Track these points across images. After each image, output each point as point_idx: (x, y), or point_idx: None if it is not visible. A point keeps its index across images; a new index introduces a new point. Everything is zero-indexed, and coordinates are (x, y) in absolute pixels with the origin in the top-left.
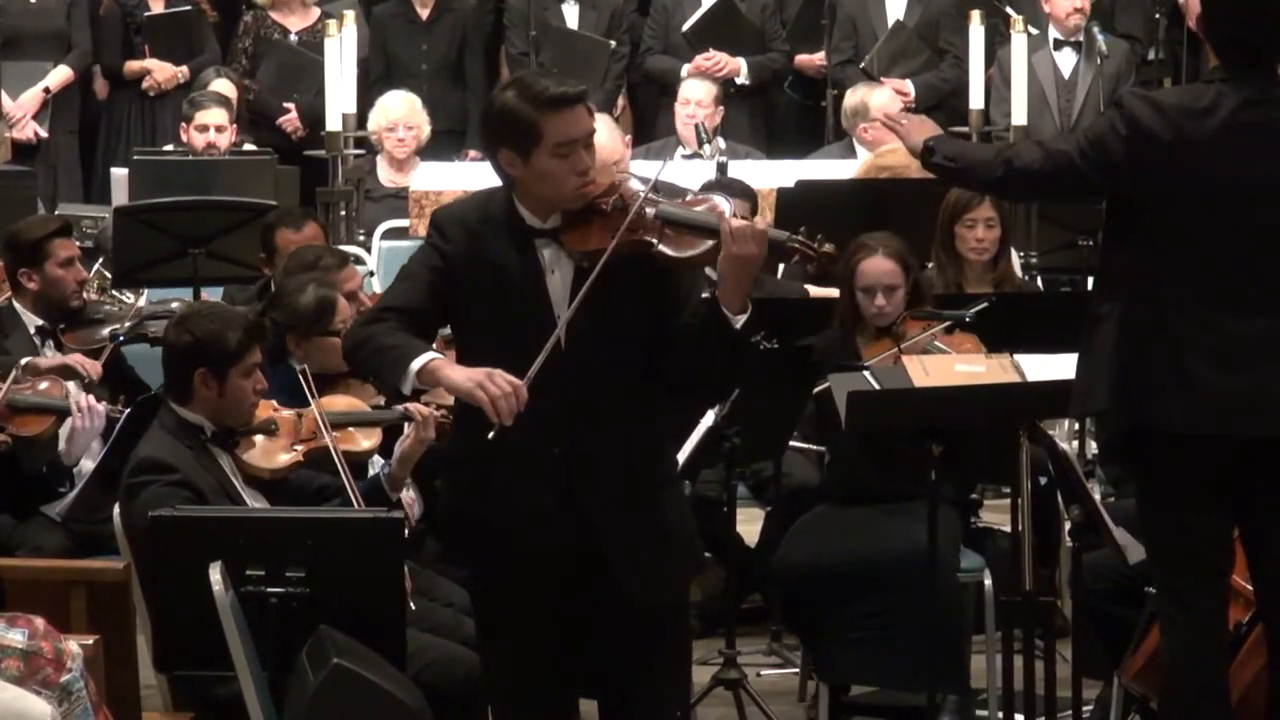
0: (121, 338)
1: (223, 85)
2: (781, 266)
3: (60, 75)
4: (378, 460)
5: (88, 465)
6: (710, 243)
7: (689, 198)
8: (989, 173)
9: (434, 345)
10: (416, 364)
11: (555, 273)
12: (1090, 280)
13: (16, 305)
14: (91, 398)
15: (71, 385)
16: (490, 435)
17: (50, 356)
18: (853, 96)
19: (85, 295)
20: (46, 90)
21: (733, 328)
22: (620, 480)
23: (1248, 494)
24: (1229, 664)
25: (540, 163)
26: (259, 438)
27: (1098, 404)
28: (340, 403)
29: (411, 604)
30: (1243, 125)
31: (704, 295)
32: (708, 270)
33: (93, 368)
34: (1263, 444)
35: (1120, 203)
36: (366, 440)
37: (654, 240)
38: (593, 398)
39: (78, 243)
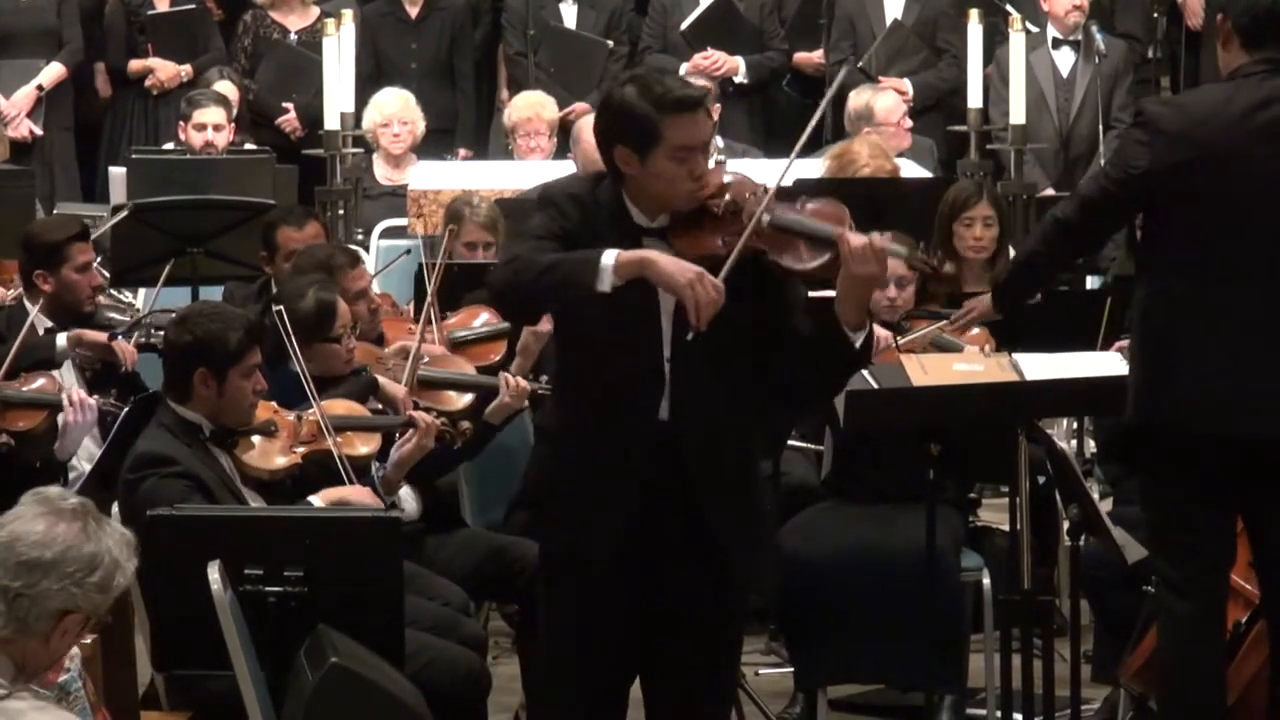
0: (123, 339)
1: (225, 86)
2: None
3: (53, 72)
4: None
5: (85, 466)
6: (827, 255)
7: (806, 205)
8: (1043, 246)
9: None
10: (609, 257)
11: None
12: (1089, 279)
13: (27, 305)
14: (83, 392)
15: (70, 380)
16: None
17: (92, 333)
18: (857, 99)
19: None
20: (40, 88)
21: (852, 346)
22: (732, 472)
23: (1255, 489)
24: (1225, 655)
25: (657, 165)
26: (257, 438)
27: (1128, 412)
28: (339, 407)
29: None
30: (1264, 123)
31: (808, 297)
32: None
33: (131, 356)
34: (1275, 443)
35: (1148, 212)
36: (365, 445)
37: (767, 249)
38: (704, 397)
39: None
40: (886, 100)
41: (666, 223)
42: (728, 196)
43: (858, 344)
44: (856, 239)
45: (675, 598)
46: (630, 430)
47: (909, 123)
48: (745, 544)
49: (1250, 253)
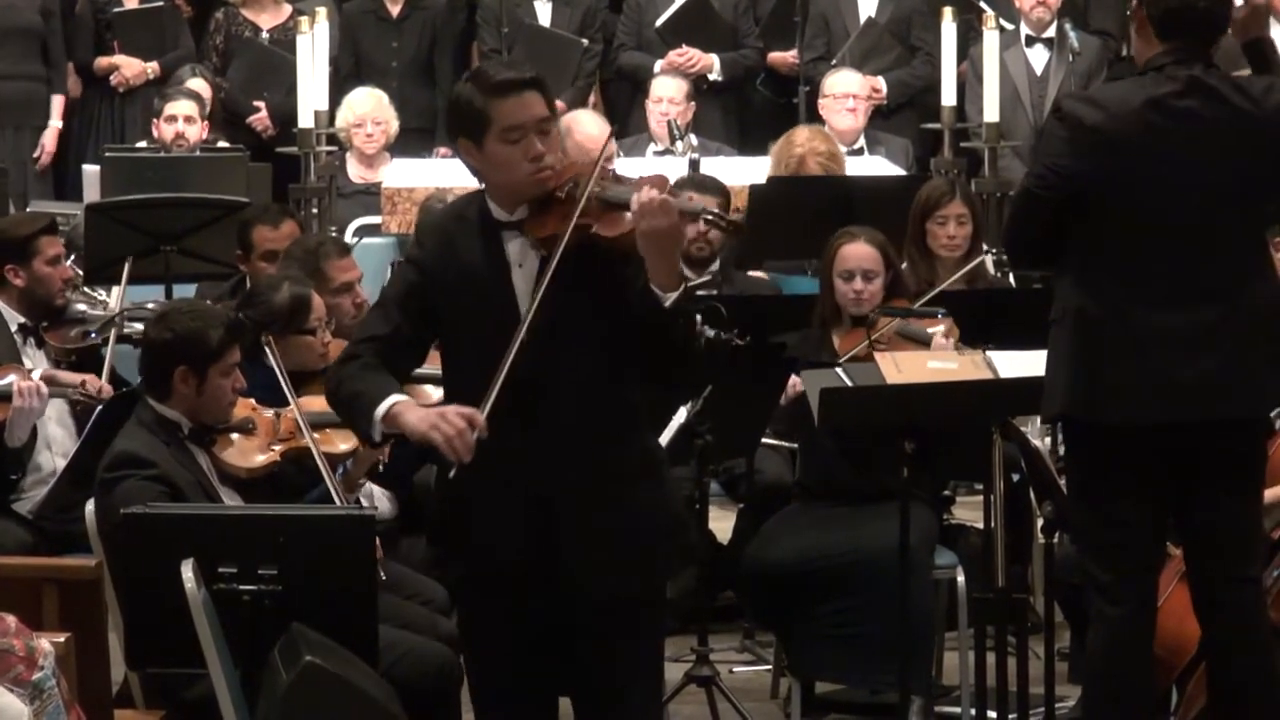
0: (96, 336)
1: (197, 84)
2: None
3: None
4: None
5: (59, 461)
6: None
7: (635, 179)
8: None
9: (420, 365)
10: (379, 412)
11: (522, 265)
12: None
13: None
14: (35, 381)
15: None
16: (450, 475)
17: (66, 373)
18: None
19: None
20: None
21: (662, 305)
22: (584, 476)
23: (1187, 487)
24: (1151, 656)
25: (491, 149)
26: (236, 436)
27: (1054, 408)
28: (317, 403)
29: (382, 573)
30: (1178, 113)
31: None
32: None
33: (106, 390)
34: (1206, 434)
35: (1070, 206)
36: (344, 443)
37: (593, 223)
38: (556, 395)
39: None
40: (830, 77)
41: (525, 214)
42: (573, 182)
43: (667, 303)
44: (644, 194)
45: (572, 606)
46: (512, 430)
47: (853, 103)
48: (600, 550)
49: (1171, 242)
